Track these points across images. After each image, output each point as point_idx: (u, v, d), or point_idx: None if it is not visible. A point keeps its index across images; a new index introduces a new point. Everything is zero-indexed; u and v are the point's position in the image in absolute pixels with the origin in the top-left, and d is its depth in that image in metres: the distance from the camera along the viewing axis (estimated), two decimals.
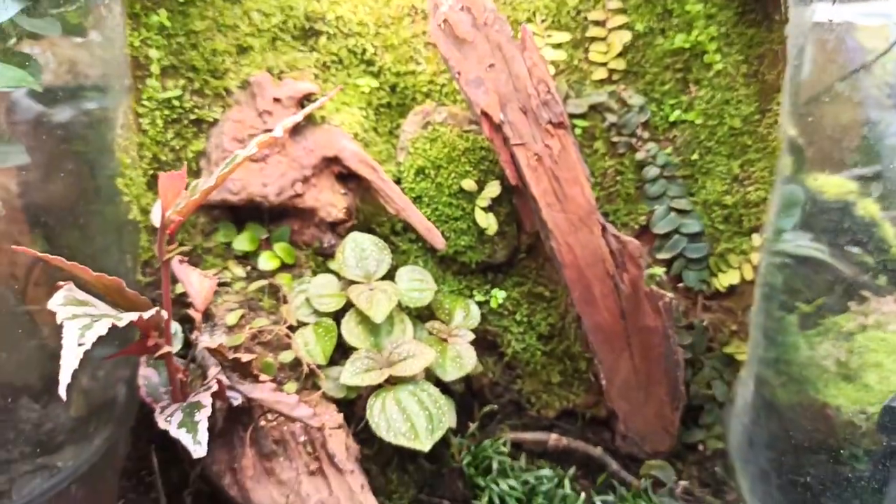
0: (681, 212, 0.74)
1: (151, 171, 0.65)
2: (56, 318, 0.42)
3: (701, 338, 0.78)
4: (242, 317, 0.62)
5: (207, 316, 0.61)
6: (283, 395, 0.56)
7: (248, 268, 0.66)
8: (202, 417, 0.46)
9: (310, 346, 0.61)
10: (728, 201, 0.74)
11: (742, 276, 0.75)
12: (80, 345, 0.39)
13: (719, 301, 0.78)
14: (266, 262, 0.65)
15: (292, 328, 0.64)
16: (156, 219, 0.50)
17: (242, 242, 0.66)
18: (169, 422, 0.48)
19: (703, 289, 0.77)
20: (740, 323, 0.79)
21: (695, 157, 0.74)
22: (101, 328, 0.40)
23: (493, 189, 0.68)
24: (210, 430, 0.59)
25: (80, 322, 0.40)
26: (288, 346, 0.62)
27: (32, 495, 0.67)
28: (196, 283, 0.56)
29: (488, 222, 0.68)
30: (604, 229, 0.66)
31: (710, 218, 0.75)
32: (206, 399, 0.49)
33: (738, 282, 0.76)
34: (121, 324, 0.42)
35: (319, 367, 0.62)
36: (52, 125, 0.64)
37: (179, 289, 0.61)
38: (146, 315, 0.45)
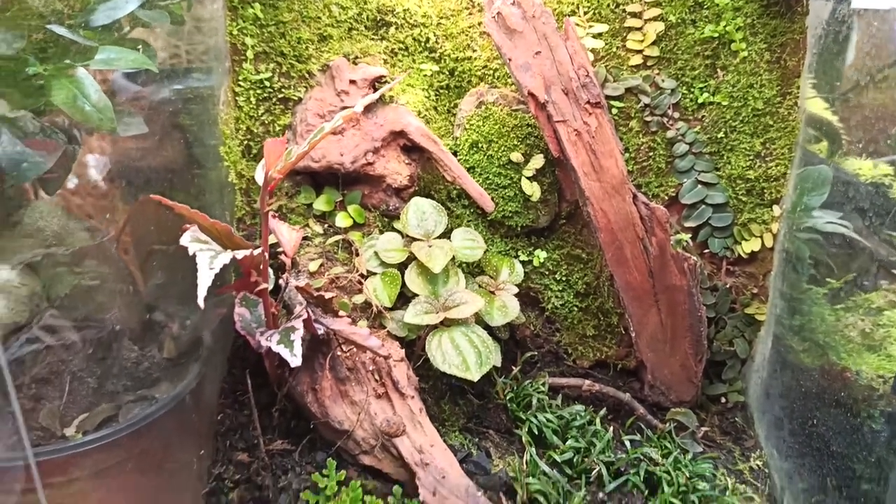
0: (707, 184, 0.82)
1: (245, 142, 0.77)
2: (188, 252, 0.53)
3: (724, 299, 0.86)
4: (322, 265, 0.73)
5: (293, 263, 0.72)
6: (357, 328, 0.67)
7: (326, 225, 0.77)
8: (297, 337, 0.57)
9: (378, 291, 0.72)
10: (751, 175, 0.82)
11: (763, 244, 0.83)
12: (210, 269, 0.50)
13: (742, 266, 0.86)
14: (341, 220, 0.76)
15: (363, 277, 0.75)
16: (259, 177, 0.61)
17: (321, 204, 0.77)
18: (269, 340, 0.59)
19: (727, 255, 0.85)
20: (761, 286, 0.86)
21: (721, 135, 0.82)
22: (226, 258, 0.52)
23: (538, 161, 0.78)
24: None
25: (208, 253, 0.52)
26: (360, 291, 0.73)
27: (135, 419, 0.80)
28: (286, 233, 0.68)
29: (532, 190, 0.77)
30: (634, 197, 0.75)
31: (734, 190, 0.82)
32: (298, 324, 0.60)
33: (759, 249, 0.83)
34: (239, 257, 0.54)
35: (385, 309, 0.73)
36: (164, 101, 0.76)
37: (270, 241, 0.73)
38: (255, 252, 0.56)
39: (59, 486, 0.74)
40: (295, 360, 0.55)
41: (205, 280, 0.48)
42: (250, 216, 0.77)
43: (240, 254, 0.53)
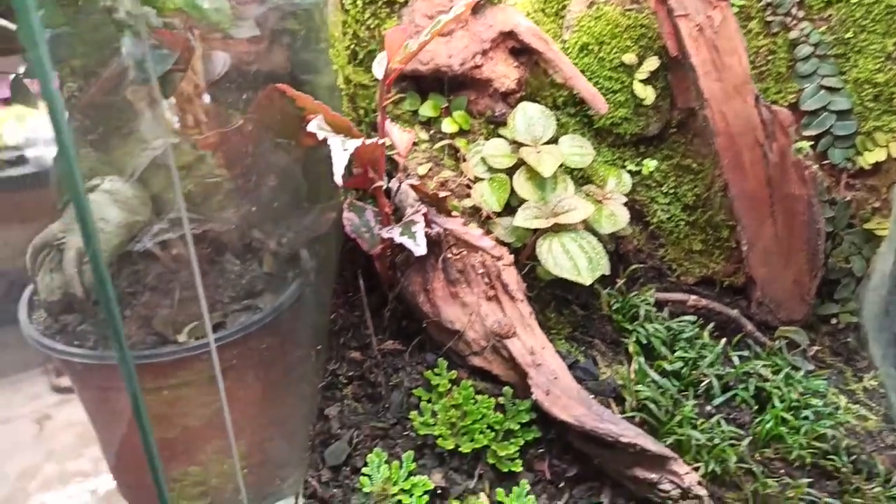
0: (831, 89, 0.78)
1: (351, 47, 0.76)
2: (316, 138, 0.53)
3: (843, 213, 0.82)
4: (430, 169, 0.73)
5: (403, 167, 0.72)
6: (470, 228, 0.66)
7: (432, 132, 0.76)
8: (418, 228, 0.57)
9: (486, 196, 0.72)
10: (880, 79, 0.76)
11: (889, 154, 0.78)
12: (344, 150, 0.50)
13: (863, 179, 0.81)
14: (447, 126, 0.75)
15: (471, 182, 0.74)
16: (378, 70, 0.61)
17: (426, 109, 0.76)
18: (391, 233, 0.59)
19: (848, 166, 0.80)
20: (883, 200, 0.82)
21: (849, 35, 0.76)
22: (356, 142, 0.52)
23: (652, 63, 0.75)
24: (405, 259, 0.71)
25: (339, 138, 0.52)
26: (468, 195, 0.73)
27: (243, 326, 0.82)
28: (398, 134, 0.67)
29: (646, 93, 0.75)
30: (756, 99, 0.71)
31: (860, 96, 0.78)
32: (418, 217, 0.60)
33: (885, 159, 0.78)
34: (368, 143, 0.53)
35: (494, 214, 0.73)
36: (273, 5, 0.76)
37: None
38: (379, 142, 0.56)
39: (179, 386, 0.77)
40: (419, 249, 0.55)
41: (340, 160, 0.49)
42: (356, 123, 0.77)
43: (368, 141, 0.53)
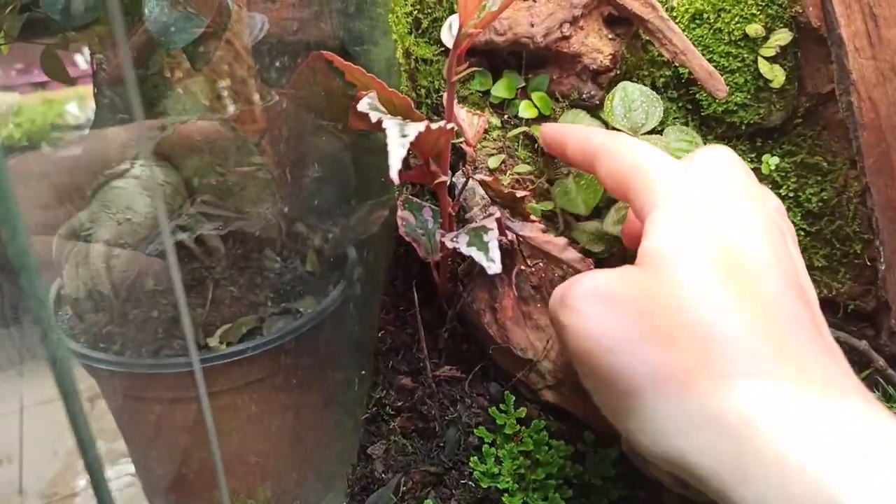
0: None
1: (414, 13, 0.64)
2: (367, 121, 0.42)
3: None
4: (503, 162, 0.60)
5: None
6: (551, 237, 0.54)
7: (505, 116, 0.64)
8: (491, 238, 0.45)
9: (570, 195, 0.59)
10: None
11: None
12: (403, 136, 0.38)
13: None
14: (523, 110, 0.63)
15: (550, 180, 0.61)
16: (447, 38, 0.49)
17: (500, 90, 0.64)
18: (456, 242, 0.47)
19: None
20: None
21: None
22: (419, 127, 0.40)
23: (782, 36, 0.60)
24: (469, 269, 0.60)
25: (397, 122, 0.40)
26: (548, 195, 0.60)
27: (281, 333, 0.72)
28: (467, 118, 0.55)
29: (774, 73, 0.60)
30: None
31: None
32: (490, 223, 0.48)
33: None
34: (433, 127, 0.42)
35: (578, 219, 0.60)
36: None
37: None
38: (447, 126, 0.44)
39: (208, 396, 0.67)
40: (493, 267, 0.43)
41: (397, 150, 0.37)
42: (416, 104, 0.65)
43: (434, 125, 0.41)
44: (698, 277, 0.34)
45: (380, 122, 0.39)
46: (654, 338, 0.34)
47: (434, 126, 0.41)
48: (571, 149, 0.49)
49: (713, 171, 0.40)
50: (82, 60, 0.85)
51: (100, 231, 0.76)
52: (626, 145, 0.43)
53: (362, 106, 0.42)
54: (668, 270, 0.35)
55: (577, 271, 0.54)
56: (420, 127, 0.39)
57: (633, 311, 0.35)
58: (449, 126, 0.44)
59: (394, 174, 0.34)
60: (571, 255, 0.52)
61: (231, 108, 0.81)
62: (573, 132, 0.49)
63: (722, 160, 0.41)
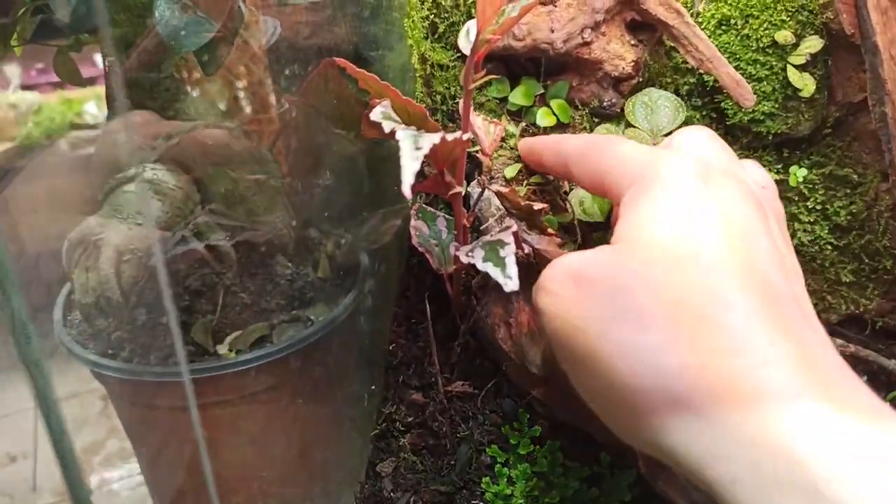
0: None
1: (430, 17, 0.62)
2: (380, 130, 0.40)
3: None
4: (519, 172, 0.58)
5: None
6: (566, 251, 0.52)
7: (523, 125, 0.62)
8: (508, 253, 0.44)
9: (585, 205, 0.57)
10: None
11: None
12: (417, 149, 0.36)
13: None
14: (541, 118, 0.61)
15: (567, 190, 0.60)
16: (464, 44, 0.47)
17: (517, 97, 0.62)
18: (471, 256, 0.46)
19: None
20: None
21: None
22: (434, 139, 0.38)
23: (813, 43, 0.58)
24: (484, 282, 0.58)
25: (411, 133, 0.39)
26: (565, 207, 0.58)
27: (291, 342, 0.70)
28: (483, 127, 0.54)
29: (804, 82, 0.58)
30: None
31: None
32: (507, 237, 0.46)
33: None
34: (449, 138, 0.40)
35: (594, 229, 0.58)
36: None
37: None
38: (464, 137, 0.42)
39: (210, 406, 0.66)
40: (510, 284, 0.42)
41: (410, 164, 0.35)
42: (430, 111, 0.63)
43: (449, 136, 0.40)
44: (667, 255, 0.34)
45: (393, 132, 0.37)
46: (626, 316, 0.33)
47: (449, 137, 0.39)
48: (546, 158, 0.49)
49: (687, 151, 0.40)
50: (100, 60, 0.85)
51: (110, 235, 0.75)
52: (596, 142, 0.44)
53: (375, 115, 0.41)
54: (638, 248, 0.35)
55: None
56: (435, 139, 0.37)
57: (605, 290, 0.35)
58: (465, 136, 0.42)
59: (406, 189, 0.33)
60: None
61: (244, 113, 0.80)
62: (545, 141, 0.50)
63: (698, 139, 0.41)
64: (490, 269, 0.43)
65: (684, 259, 0.33)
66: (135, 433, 0.78)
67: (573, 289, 0.36)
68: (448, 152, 0.46)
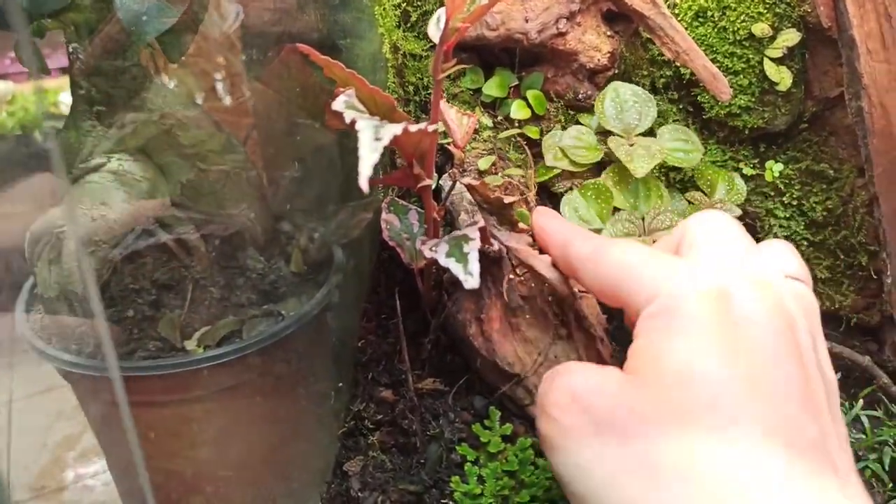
0: None
1: (402, 6, 0.61)
2: (343, 120, 0.39)
3: None
4: (493, 164, 0.57)
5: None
6: (537, 252, 0.51)
7: (497, 117, 0.61)
8: (472, 249, 0.42)
9: (581, 212, 0.56)
10: None
11: None
12: (376, 140, 0.35)
13: None
14: (515, 111, 0.60)
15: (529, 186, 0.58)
16: (433, 32, 0.46)
17: (491, 88, 0.60)
18: (435, 251, 0.44)
19: None
20: None
21: None
22: (395, 129, 0.37)
23: (790, 37, 0.57)
24: (455, 277, 0.56)
25: (372, 123, 0.37)
26: (540, 202, 0.57)
27: (261, 337, 0.69)
28: (455, 118, 0.52)
29: (781, 76, 0.57)
30: None
31: None
32: (473, 233, 0.45)
33: None
34: (412, 129, 0.39)
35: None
36: None
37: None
38: (430, 128, 0.41)
39: (176, 404, 0.64)
40: (471, 281, 0.40)
41: (368, 157, 0.34)
42: (403, 101, 0.62)
43: (413, 127, 0.38)
44: (684, 405, 0.31)
45: (353, 122, 0.36)
46: (638, 472, 0.30)
47: (414, 128, 0.38)
48: (552, 252, 0.46)
49: (704, 256, 0.36)
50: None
51: (74, 228, 0.73)
52: (603, 248, 0.40)
53: (338, 104, 0.39)
54: (654, 390, 0.31)
55: (561, 293, 0.51)
56: (397, 129, 0.36)
57: (617, 435, 0.31)
58: (431, 128, 0.40)
59: (363, 182, 0.31)
60: (555, 274, 0.49)
61: (215, 102, 0.78)
62: (554, 234, 0.45)
63: (713, 231, 0.37)
64: (452, 264, 0.41)
65: (702, 415, 0.30)
66: (100, 430, 0.76)
67: (579, 419, 0.32)
68: (415, 144, 0.44)
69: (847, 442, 0.34)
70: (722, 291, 0.33)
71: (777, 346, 0.32)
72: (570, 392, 0.33)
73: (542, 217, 0.48)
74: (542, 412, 0.35)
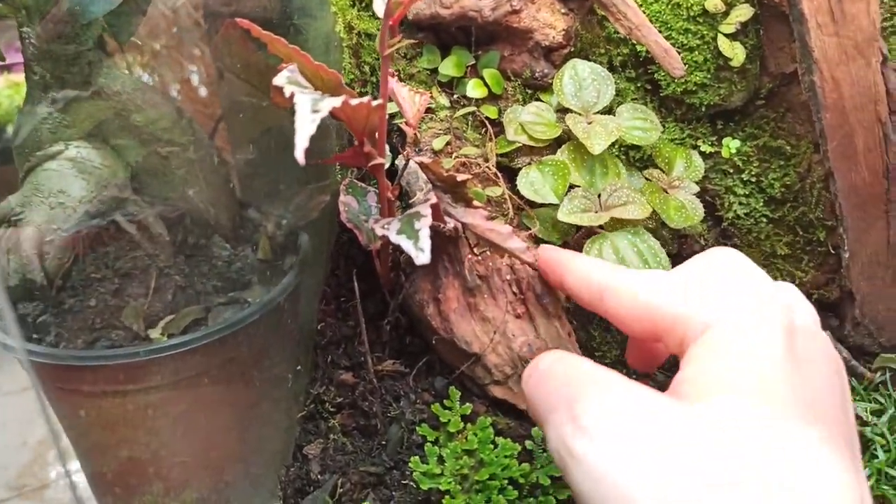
0: None
1: None
2: (290, 102, 0.38)
3: None
4: (448, 144, 0.57)
5: (414, 139, 0.57)
6: (496, 224, 0.51)
7: (454, 96, 0.61)
8: (423, 226, 0.42)
9: (537, 186, 0.55)
10: None
11: None
12: (314, 112, 0.35)
13: None
14: (472, 90, 0.60)
15: (491, 167, 0.58)
16: (378, 7, 0.45)
17: (448, 68, 0.60)
18: (386, 229, 0.44)
19: None
20: None
21: None
22: (334, 101, 0.36)
23: (743, 12, 0.57)
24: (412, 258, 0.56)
25: (310, 96, 0.37)
26: (495, 181, 0.57)
27: (225, 325, 0.68)
28: (408, 96, 0.52)
29: (734, 52, 0.57)
30: (884, 61, 0.54)
31: None
32: (425, 209, 0.44)
33: None
34: (353, 103, 0.38)
35: (532, 205, 0.57)
36: None
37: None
38: (374, 103, 0.40)
39: (137, 393, 0.64)
40: (422, 257, 0.40)
41: (305, 128, 0.33)
42: (360, 83, 0.62)
43: (353, 101, 0.38)
44: (741, 432, 0.28)
45: (292, 95, 0.36)
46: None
47: (355, 101, 0.37)
48: (570, 283, 0.44)
49: (747, 288, 0.35)
50: None
51: (31, 215, 0.72)
52: (632, 283, 0.38)
53: (279, 80, 0.39)
54: (711, 413, 0.29)
55: (525, 262, 0.51)
56: (336, 102, 0.35)
57: (670, 459, 0.28)
58: (375, 102, 0.40)
59: (299, 154, 0.31)
60: (516, 244, 0.49)
61: (175, 85, 0.77)
62: (574, 266, 0.44)
63: (726, 269, 0.36)
64: (403, 241, 0.41)
65: (762, 439, 0.28)
66: (63, 419, 0.75)
67: (621, 438, 0.29)
68: (364, 120, 0.44)
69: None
70: (789, 328, 0.32)
71: (833, 388, 0.32)
72: (613, 411, 0.30)
73: (552, 249, 0.48)
74: (577, 427, 0.30)
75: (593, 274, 0.41)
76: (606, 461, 0.28)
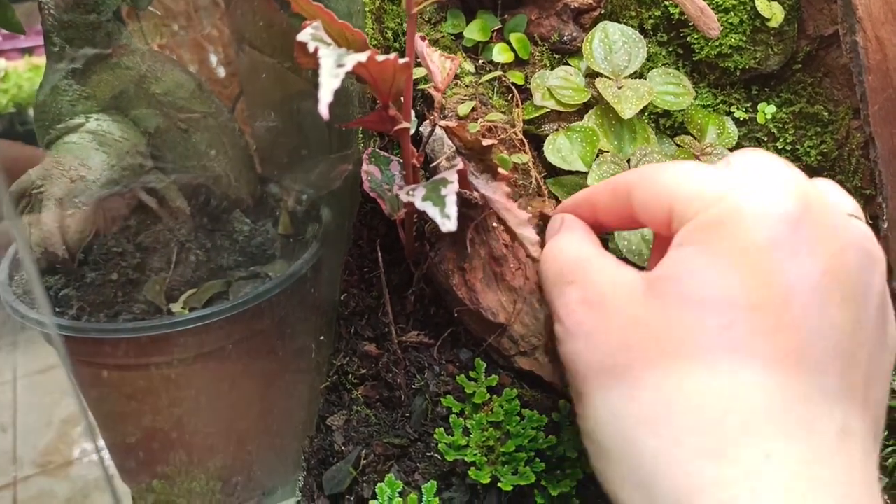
0: None
1: None
2: (311, 56, 0.37)
3: None
4: (474, 109, 0.55)
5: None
6: (514, 206, 0.49)
7: (480, 62, 0.59)
8: (449, 192, 0.41)
9: (564, 153, 0.54)
10: None
11: None
12: (339, 66, 0.33)
13: None
14: (498, 54, 0.58)
15: (527, 133, 0.57)
16: None
17: (473, 32, 0.58)
18: (411, 195, 0.43)
19: None
20: None
21: None
22: (360, 57, 0.35)
23: None
24: (437, 227, 0.55)
25: (335, 51, 0.35)
26: (522, 148, 0.55)
27: (246, 298, 0.68)
28: (437, 60, 0.50)
29: (773, 11, 0.55)
30: None
31: None
32: (451, 175, 0.43)
33: None
34: (379, 59, 0.37)
35: (557, 172, 0.55)
36: None
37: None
38: (401, 61, 0.39)
39: (161, 366, 0.63)
40: (448, 224, 0.39)
41: (329, 83, 0.32)
42: (383, 48, 0.60)
43: (380, 56, 0.36)
44: (711, 321, 0.30)
45: (316, 50, 0.34)
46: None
47: (381, 57, 0.36)
48: (602, 203, 0.42)
49: (769, 175, 0.34)
50: None
51: (52, 189, 0.71)
52: (658, 168, 0.38)
53: (303, 35, 0.37)
54: (676, 301, 0.31)
55: (529, 257, 0.49)
56: (362, 57, 0.34)
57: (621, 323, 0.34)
58: (402, 60, 0.39)
59: (323, 109, 0.30)
60: (528, 233, 0.47)
61: (187, 65, 0.76)
62: (600, 187, 0.43)
63: (765, 166, 0.35)
64: (429, 208, 0.40)
65: (711, 341, 0.30)
66: (86, 392, 0.76)
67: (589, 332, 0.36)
68: (389, 82, 0.43)
69: (882, 409, 0.32)
70: (794, 214, 0.31)
71: (827, 288, 0.30)
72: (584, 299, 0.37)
73: (570, 199, 0.47)
74: (555, 314, 0.38)
75: (618, 180, 0.41)
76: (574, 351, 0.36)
